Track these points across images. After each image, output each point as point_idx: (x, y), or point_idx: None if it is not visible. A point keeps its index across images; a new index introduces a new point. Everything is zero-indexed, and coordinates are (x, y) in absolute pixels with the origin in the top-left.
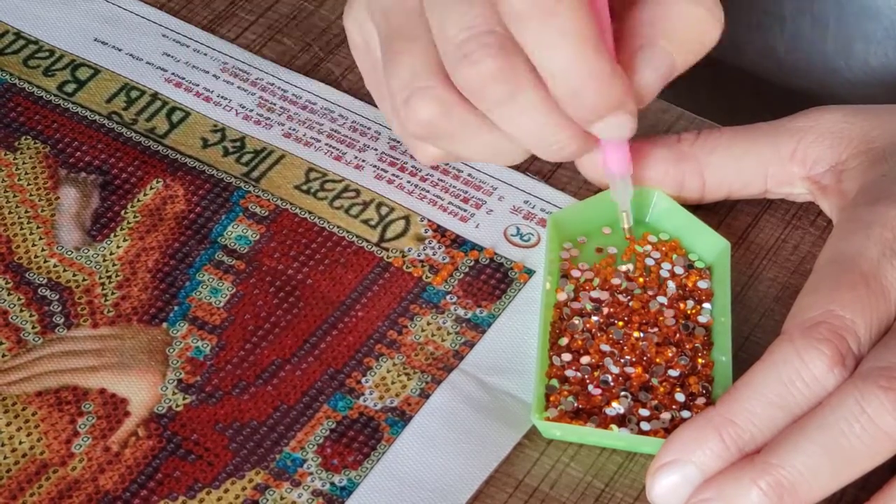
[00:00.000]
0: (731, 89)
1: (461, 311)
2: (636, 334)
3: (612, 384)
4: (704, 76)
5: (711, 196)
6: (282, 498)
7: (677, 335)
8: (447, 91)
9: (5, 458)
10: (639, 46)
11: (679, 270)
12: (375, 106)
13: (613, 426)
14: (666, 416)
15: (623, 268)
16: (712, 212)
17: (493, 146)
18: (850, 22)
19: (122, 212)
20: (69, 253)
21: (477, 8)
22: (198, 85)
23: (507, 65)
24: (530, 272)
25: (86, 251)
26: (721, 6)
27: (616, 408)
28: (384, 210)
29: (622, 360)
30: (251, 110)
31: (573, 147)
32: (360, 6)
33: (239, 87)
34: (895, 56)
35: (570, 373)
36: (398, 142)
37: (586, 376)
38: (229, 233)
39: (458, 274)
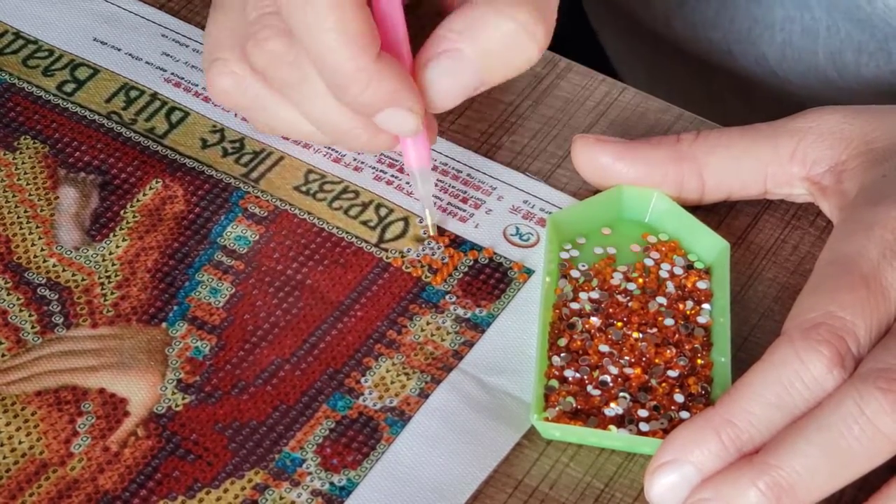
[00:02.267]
0: (723, 94)
1: (460, 311)
2: (635, 335)
3: (611, 385)
4: (699, 83)
5: (711, 197)
6: (281, 498)
7: (676, 336)
8: (242, 65)
9: (4, 457)
10: (441, 51)
11: (678, 271)
12: None
13: (612, 427)
14: (665, 416)
15: (622, 268)
16: (712, 212)
17: (292, 125)
18: (840, 32)
19: (122, 212)
20: (68, 253)
21: None
22: (197, 85)
23: (289, 49)
24: (529, 272)
25: (85, 251)
26: (543, 22)
27: (615, 408)
28: (383, 211)
29: (621, 361)
30: None
31: (363, 138)
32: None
33: None
34: (887, 67)
35: (569, 373)
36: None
37: (585, 377)
38: (229, 233)
39: (457, 274)
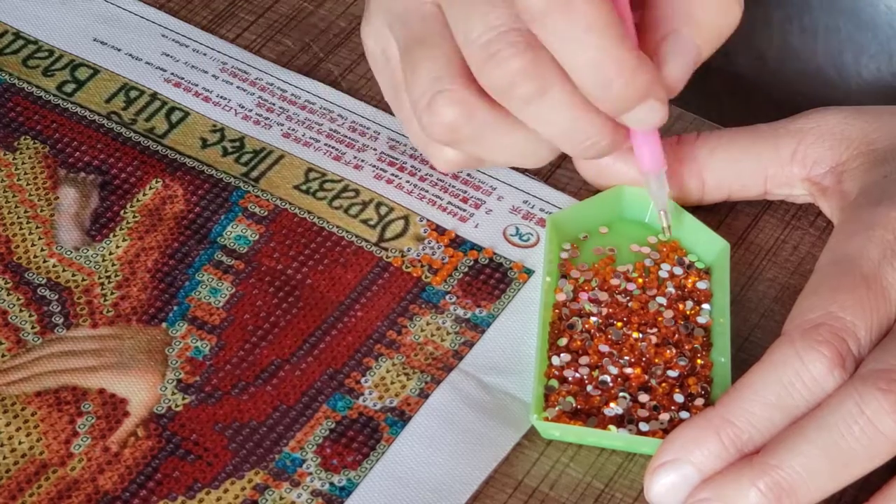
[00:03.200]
0: (721, 96)
1: (460, 311)
2: (635, 335)
3: (610, 385)
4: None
5: (711, 197)
6: (281, 498)
7: (676, 336)
8: (470, 93)
9: (4, 458)
10: (663, 35)
11: (678, 271)
12: (374, 106)
13: (612, 426)
14: (664, 416)
15: (622, 268)
16: (712, 212)
17: (518, 147)
18: (840, 34)
19: (122, 212)
20: (68, 253)
21: (499, 8)
22: (197, 85)
23: (534, 62)
24: (529, 272)
25: (85, 251)
26: None
27: (615, 408)
28: (383, 210)
29: (621, 361)
30: (250, 110)
31: (605, 142)
32: (377, 17)
33: (238, 87)
34: (888, 69)
35: (568, 373)
36: (398, 141)
37: (585, 377)
38: (228, 233)
39: (457, 274)
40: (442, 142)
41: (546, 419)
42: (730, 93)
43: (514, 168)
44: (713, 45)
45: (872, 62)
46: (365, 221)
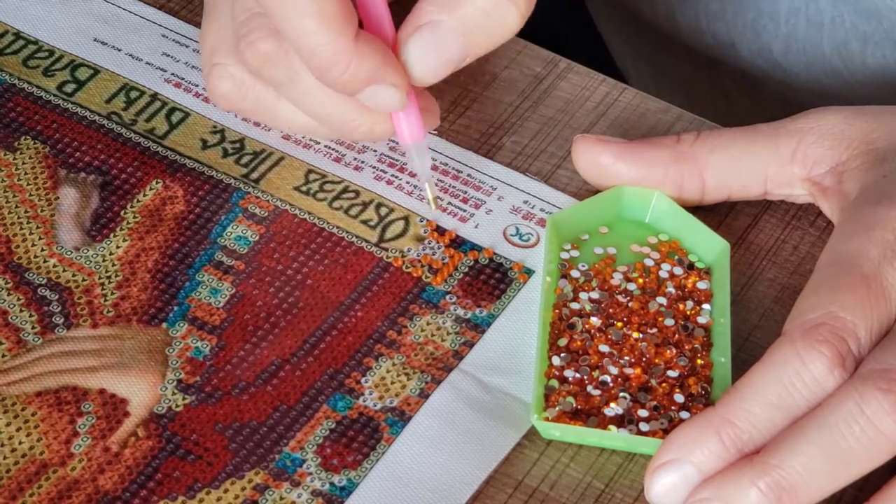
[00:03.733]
0: (728, 89)
1: (461, 311)
2: (635, 335)
3: (611, 385)
4: (701, 76)
5: (711, 197)
6: (281, 498)
7: (676, 336)
8: (239, 68)
9: (5, 458)
10: (421, 24)
11: (678, 271)
12: None
13: (612, 427)
14: (665, 416)
15: (622, 268)
16: (712, 212)
17: (295, 122)
18: (846, 23)
19: (122, 212)
20: (69, 253)
21: None
22: (197, 85)
23: (279, 46)
24: (530, 272)
25: (85, 251)
26: None
27: (615, 408)
28: (383, 210)
29: (621, 361)
30: None
31: (363, 126)
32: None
33: None
34: (893, 57)
35: (569, 373)
36: (397, 142)
37: (585, 377)
38: (229, 233)
39: (457, 274)
40: (225, 110)
41: (546, 419)
42: (737, 84)
43: (514, 168)
44: (482, 46)
45: (878, 50)
46: (365, 222)
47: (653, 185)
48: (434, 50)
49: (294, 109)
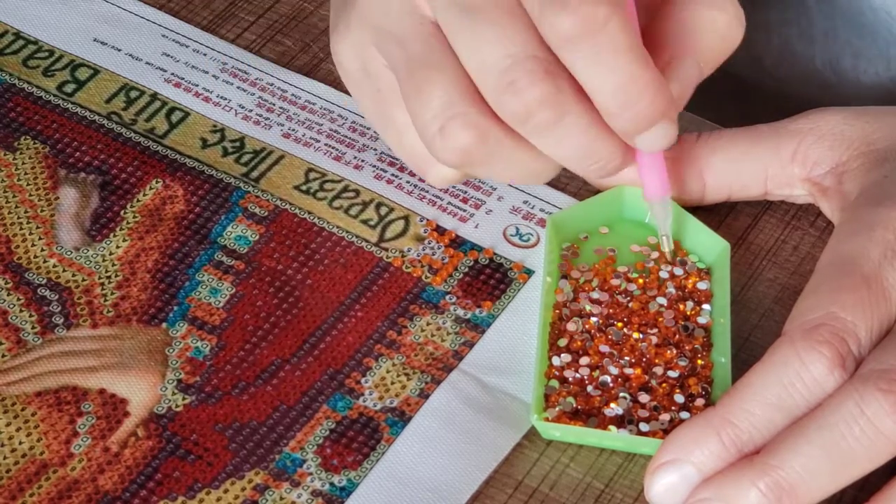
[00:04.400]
0: (720, 98)
1: (461, 312)
2: (635, 335)
3: (611, 385)
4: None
5: (712, 197)
6: (281, 498)
7: (676, 336)
8: (483, 117)
9: (5, 458)
10: (669, 58)
11: (678, 271)
12: None
13: (612, 427)
14: (665, 417)
15: (622, 268)
16: (712, 213)
17: (526, 167)
18: (839, 38)
19: (122, 212)
20: (69, 253)
21: (513, 33)
22: (197, 85)
23: (554, 89)
24: (530, 272)
25: (85, 251)
26: (740, 6)
27: (615, 409)
28: (383, 210)
29: (621, 361)
30: (250, 110)
31: (615, 163)
32: (358, 32)
33: (238, 88)
34: (886, 74)
35: (569, 373)
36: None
37: (585, 377)
38: (229, 233)
39: (457, 274)
40: (454, 166)
41: (546, 419)
42: (728, 95)
43: None
44: (714, 65)
45: (871, 67)
46: (365, 222)
47: None
48: (685, 82)
49: (527, 157)
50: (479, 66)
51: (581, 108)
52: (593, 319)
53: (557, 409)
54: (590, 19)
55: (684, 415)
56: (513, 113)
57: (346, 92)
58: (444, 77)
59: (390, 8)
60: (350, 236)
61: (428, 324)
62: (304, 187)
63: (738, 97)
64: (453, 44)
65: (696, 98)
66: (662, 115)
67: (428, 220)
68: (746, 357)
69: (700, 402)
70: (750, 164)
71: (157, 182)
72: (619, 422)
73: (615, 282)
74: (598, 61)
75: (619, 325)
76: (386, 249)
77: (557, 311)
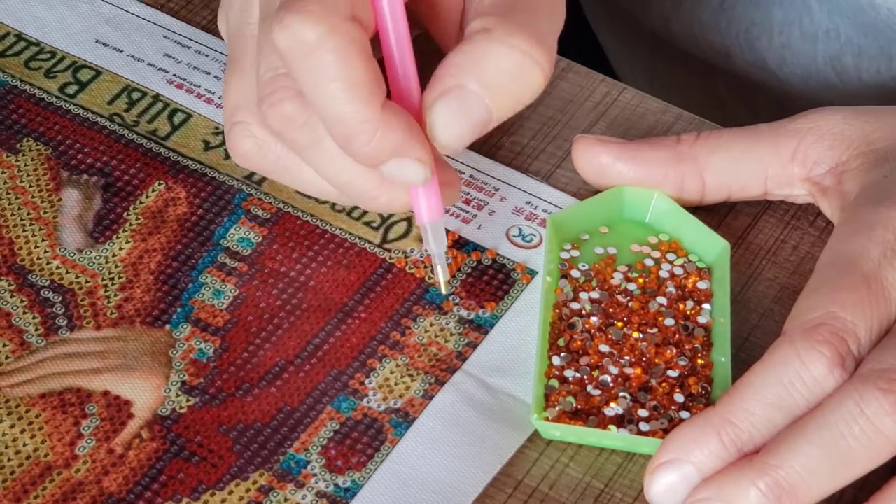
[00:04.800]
0: (723, 96)
1: (464, 312)
2: (635, 335)
3: (611, 384)
4: (696, 82)
5: (711, 197)
6: (286, 499)
7: (676, 336)
8: (262, 129)
9: (9, 460)
10: (445, 90)
11: (678, 271)
12: None
13: (612, 426)
14: (665, 416)
15: (622, 268)
16: (712, 212)
17: (314, 185)
18: (841, 36)
19: (125, 214)
20: (72, 255)
21: None
22: (199, 86)
23: (304, 110)
24: (533, 273)
25: (88, 253)
26: (546, 51)
27: (615, 408)
28: None
29: (621, 361)
30: None
31: (382, 198)
32: (220, 15)
33: None
34: (888, 73)
35: (569, 373)
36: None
37: (585, 377)
38: (232, 235)
39: (460, 275)
40: (245, 168)
41: (546, 419)
42: (732, 94)
43: (515, 168)
44: (508, 109)
45: (873, 65)
46: (368, 223)
47: (653, 186)
48: (461, 115)
49: (311, 175)
50: (257, 75)
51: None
52: (593, 319)
53: (557, 408)
54: (299, 40)
55: (684, 414)
56: (271, 126)
57: None
58: (241, 80)
59: (233, 6)
60: (353, 238)
61: (431, 325)
62: None
63: (741, 96)
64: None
65: (702, 97)
66: (392, 153)
67: None
68: (746, 357)
69: (700, 401)
70: (750, 164)
71: (159, 184)
72: (619, 421)
73: (615, 281)
74: (313, 88)
75: (619, 324)
76: (389, 251)
77: (557, 311)
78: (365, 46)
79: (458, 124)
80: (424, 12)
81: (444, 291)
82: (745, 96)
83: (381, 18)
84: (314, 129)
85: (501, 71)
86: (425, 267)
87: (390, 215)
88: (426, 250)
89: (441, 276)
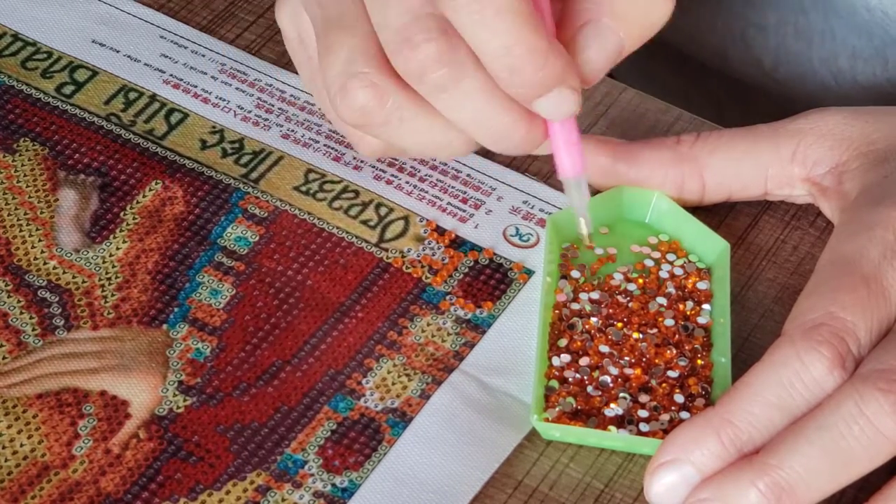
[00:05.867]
0: (720, 98)
1: (461, 312)
2: (635, 335)
3: (611, 385)
4: (693, 84)
5: (711, 197)
6: (283, 499)
7: (676, 336)
8: (384, 77)
9: (6, 460)
10: (582, 24)
11: (678, 271)
12: None
13: (612, 427)
14: (665, 417)
15: (622, 268)
16: (712, 213)
17: (433, 135)
18: (836, 38)
19: (122, 213)
20: (69, 255)
21: None
22: (196, 86)
23: (449, 48)
24: (530, 272)
25: (85, 253)
26: None
27: (615, 409)
28: (383, 210)
29: (621, 362)
30: (249, 111)
31: (518, 133)
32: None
33: (237, 89)
34: (883, 75)
35: (569, 374)
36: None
37: (585, 377)
38: (229, 234)
39: (457, 274)
40: (355, 126)
41: (547, 420)
42: (729, 95)
43: (513, 168)
44: (638, 38)
45: (868, 67)
46: (365, 222)
47: (653, 186)
48: (599, 48)
49: (431, 123)
50: (381, 24)
51: (479, 71)
52: (593, 320)
53: (557, 409)
54: None
55: (684, 415)
56: (409, 70)
57: None
58: (351, 37)
59: None
60: (350, 237)
61: (428, 324)
62: (303, 188)
63: (738, 98)
64: (366, 4)
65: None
66: (556, 82)
67: (428, 220)
68: (746, 357)
69: (700, 402)
70: (750, 164)
71: (156, 183)
72: (620, 422)
73: (615, 282)
74: (481, 22)
75: (619, 325)
76: (386, 250)
77: (557, 312)
78: None
79: (595, 58)
80: None
81: (587, 243)
82: (742, 98)
83: None
84: (460, 66)
85: (634, 3)
86: (422, 266)
87: (387, 214)
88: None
89: (585, 228)
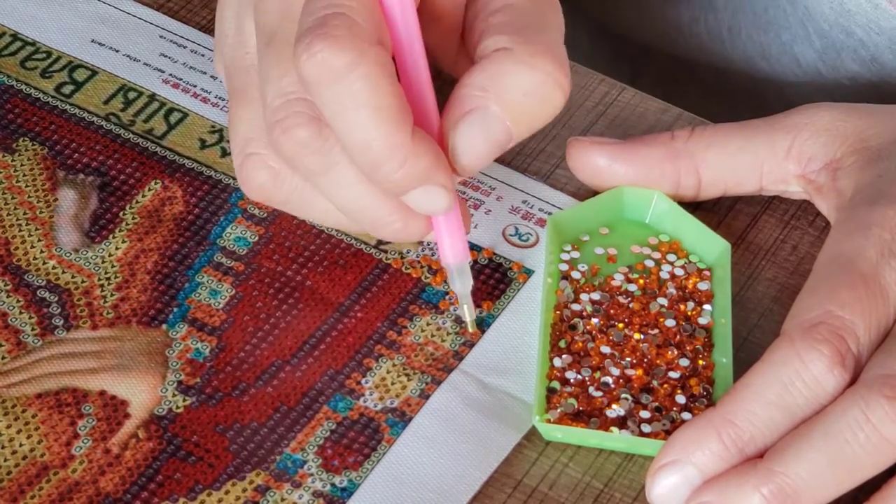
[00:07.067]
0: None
1: (461, 312)
2: (636, 336)
3: (612, 386)
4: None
5: (707, 193)
6: (282, 499)
7: (678, 337)
8: (278, 159)
9: (6, 460)
10: (467, 111)
11: (679, 272)
12: None
13: (614, 428)
14: (667, 417)
15: (623, 269)
16: (711, 212)
17: (329, 215)
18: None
19: (121, 213)
20: (68, 255)
21: (293, 73)
22: (195, 86)
23: (318, 135)
24: (529, 272)
25: (84, 253)
26: (566, 71)
27: (616, 410)
28: None
29: (623, 362)
30: None
31: (395, 225)
32: (216, 53)
33: None
34: (869, 74)
35: (570, 375)
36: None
37: (587, 378)
38: (228, 234)
39: None
40: (257, 201)
41: (548, 421)
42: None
43: (513, 167)
44: (527, 129)
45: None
46: None
47: (649, 183)
48: (482, 137)
49: (326, 205)
50: (264, 103)
51: (348, 160)
52: (594, 320)
53: (559, 410)
54: (328, 67)
55: (686, 415)
56: (283, 154)
57: None
58: (249, 111)
59: (226, 40)
60: (349, 238)
61: (428, 324)
62: None
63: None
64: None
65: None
66: (420, 181)
67: None
68: (746, 357)
69: (702, 402)
70: (745, 160)
71: (155, 183)
72: (621, 423)
73: (616, 282)
74: (342, 114)
75: (620, 325)
76: (385, 252)
77: (558, 312)
78: (392, 71)
79: (480, 146)
80: (423, 27)
81: (471, 330)
82: (727, 96)
83: (397, 40)
84: (329, 154)
85: (523, 92)
86: (421, 267)
87: None
88: (449, 287)
89: (468, 315)
